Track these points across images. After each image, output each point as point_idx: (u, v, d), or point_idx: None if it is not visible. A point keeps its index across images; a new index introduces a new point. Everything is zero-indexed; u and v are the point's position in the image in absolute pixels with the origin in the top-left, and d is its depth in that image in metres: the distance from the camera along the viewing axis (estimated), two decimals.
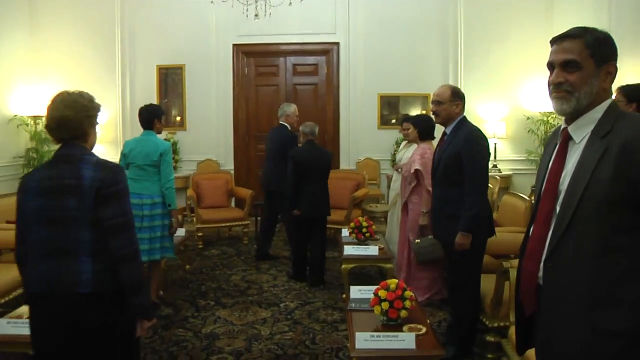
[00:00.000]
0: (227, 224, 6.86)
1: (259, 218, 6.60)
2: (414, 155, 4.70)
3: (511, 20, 7.72)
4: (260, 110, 8.30)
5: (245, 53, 8.27)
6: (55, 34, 7.94)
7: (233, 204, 7.49)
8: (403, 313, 2.92)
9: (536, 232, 1.69)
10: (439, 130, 3.96)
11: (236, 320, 4.23)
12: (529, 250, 1.71)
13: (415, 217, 4.59)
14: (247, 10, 6.21)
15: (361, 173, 7.20)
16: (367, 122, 8.18)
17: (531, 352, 1.86)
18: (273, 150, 5.81)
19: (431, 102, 3.63)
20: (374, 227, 4.93)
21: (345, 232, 5.16)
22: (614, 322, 1.48)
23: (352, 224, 4.93)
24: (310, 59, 8.32)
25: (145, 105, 4.54)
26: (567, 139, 1.65)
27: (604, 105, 1.60)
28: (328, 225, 6.30)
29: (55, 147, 2.20)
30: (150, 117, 4.39)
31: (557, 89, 1.63)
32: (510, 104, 7.83)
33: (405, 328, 2.89)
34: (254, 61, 8.35)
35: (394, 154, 7.12)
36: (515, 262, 3.07)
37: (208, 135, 8.26)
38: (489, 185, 4.47)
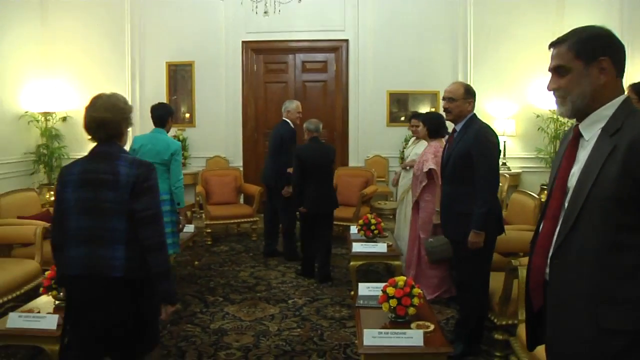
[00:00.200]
0: (236, 221, 6.89)
1: None
2: (427, 154, 4.66)
3: (521, 17, 7.65)
4: (269, 107, 8.30)
5: (254, 50, 8.27)
6: (65, 29, 7.96)
7: (242, 200, 7.51)
8: (411, 310, 2.92)
9: (545, 228, 1.69)
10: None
11: (244, 316, 4.25)
12: (538, 246, 1.72)
13: (427, 215, 4.57)
14: (256, 7, 6.21)
15: (370, 170, 7.18)
16: (376, 119, 8.16)
17: (541, 349, 1.86)
18: (272, 146, 5.88)
19: (443, 98, 3.61)
20: (382, 224, 4.93)
21: (353, 229, 5.16)
22: (617, 320, 1.48)
23: (360, 221, 4.93)
24: (320, 56, 8.30)
25: (159, 103, 4.60)
26: (577, 136, 1.65)
27: (616, 102, 1.59)
28: (337, 222, 6.32)
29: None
30: (165, 115, 4.45)
31: (554, 94, 1.67)
32: (520, 102, 7.77)
33: (413, 325, 2.89)
34: (263, 58, 8.35)
35: (403, 152, 7.10)
36: (524, 260, 3.10)
37: (217, 132, 8.28)
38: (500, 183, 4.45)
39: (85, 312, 2.32)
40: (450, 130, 3.77)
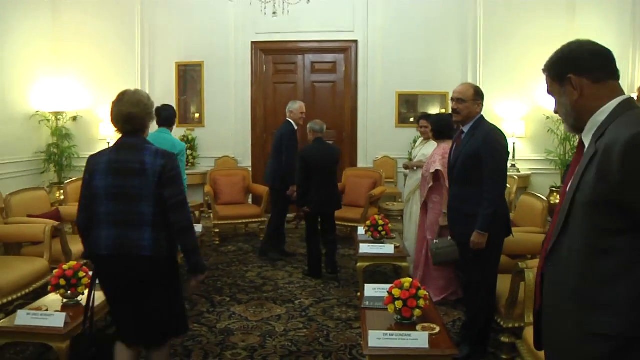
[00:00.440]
0: (244, 221, 6.91)
1: None
2: (435, 155, 4.63)
3: (532, 18, 7.59)
4: (278, 108, 8.28)
5: (263, 50, 8.28)
6: (76, 27, 8.03)
7: (250, 200, 7.52)
8: (417, 312, 2.91)
9: (549, 231, 1.75)
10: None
11: (251, 317, 4.26)
12: (543, 248, 1.77)
13: (434, 217, 4.55)
14: (265, 8, 6.22)
15: (378, 171, 7.17)
16: (385, 120, 8.14)
17: None
18: (274, 146, 5.93)
19: (451, 99, 3.59)
20: (390, 225, 4.92)
21: (361, 230, 5.15)
22: (600, 324, 1.48)
23: (368, 222, 4.92)
24: (329, 57, 8.30)
25: (166, 105, 4.72)
26: (581, 143, 1.69)
27: (610, 106, 1.58)
28: (344, 223, 6.32)
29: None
30: (173, 116, 4.61)
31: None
32: (530, 103, 7.71)
33: (418, 327, 2.88)
34: (272, 59, 8.36)
35: (412, 153, 7.08)
36: (531, 262, 3.14)
37: (226, 132, 8.30)
38: (507, 185, 4.43)
39: (116, 288, 2.62)
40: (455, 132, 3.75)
